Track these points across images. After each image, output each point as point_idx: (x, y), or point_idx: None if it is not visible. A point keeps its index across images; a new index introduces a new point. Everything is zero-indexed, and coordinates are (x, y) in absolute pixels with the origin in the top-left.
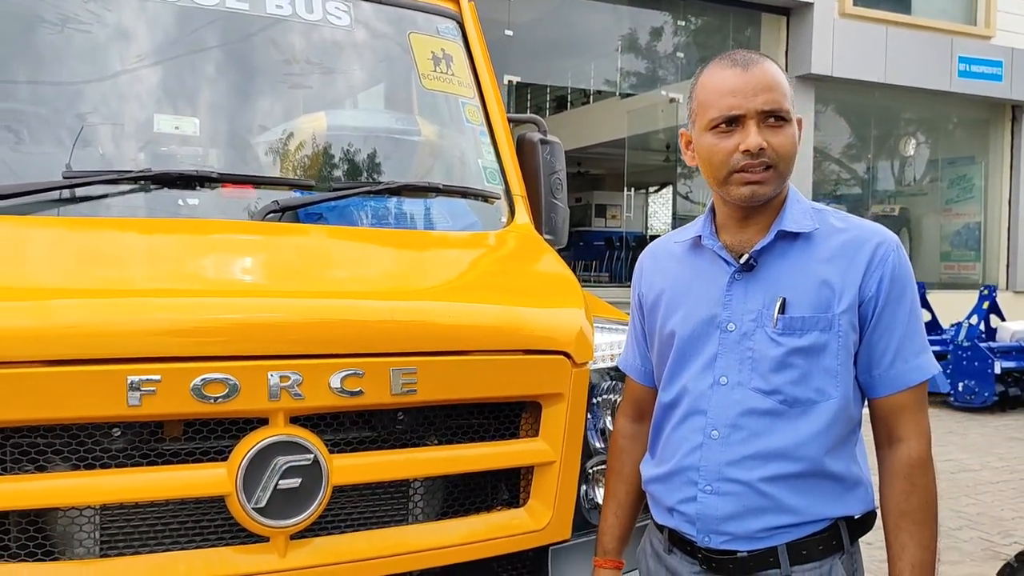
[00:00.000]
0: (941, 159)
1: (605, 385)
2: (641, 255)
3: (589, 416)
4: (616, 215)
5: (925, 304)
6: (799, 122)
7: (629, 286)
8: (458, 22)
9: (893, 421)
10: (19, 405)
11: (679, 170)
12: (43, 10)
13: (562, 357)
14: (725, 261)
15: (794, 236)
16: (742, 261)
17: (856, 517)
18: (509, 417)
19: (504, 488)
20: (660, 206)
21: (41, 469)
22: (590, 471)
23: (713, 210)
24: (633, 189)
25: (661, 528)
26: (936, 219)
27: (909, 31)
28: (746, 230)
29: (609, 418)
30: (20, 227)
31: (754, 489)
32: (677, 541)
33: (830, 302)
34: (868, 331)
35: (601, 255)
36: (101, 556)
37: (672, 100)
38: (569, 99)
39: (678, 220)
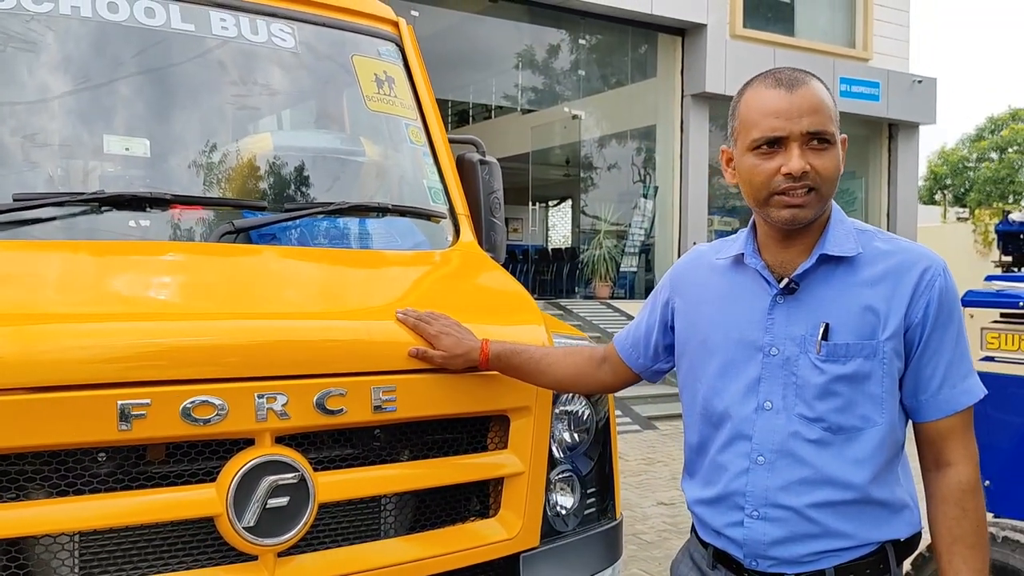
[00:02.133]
0: None
1: (563, 397)
2: (677, 265)
3: (553, 427)
4: (518, 228)
5: None
6: (843, 142)
7: (536, 299)
8: (398, 44)
9: (941, 445)
10: (7, 433)
11: (580, 185)
12: None
13: None
14: (767, 281)
15: (837, 259)
16: (783, 285)
17: (903, 540)
18: (479, 431)
19: (476, 499)
20: (559, 219)
21: (28, 497)
22: (555, 480)
23: (755, 227)
24: (536, 203)
25: (706, 545)
26: None
27: (794, 52)
28: (788, 250)
29: (567, 430)
30: None
31: (802, 515)
32: (723, 559)
33: (875, 328)
34: (915, 356)
35: (504, 267)
36: None
37: (575, 116)
38: (471, 114)
39: (578, 233)
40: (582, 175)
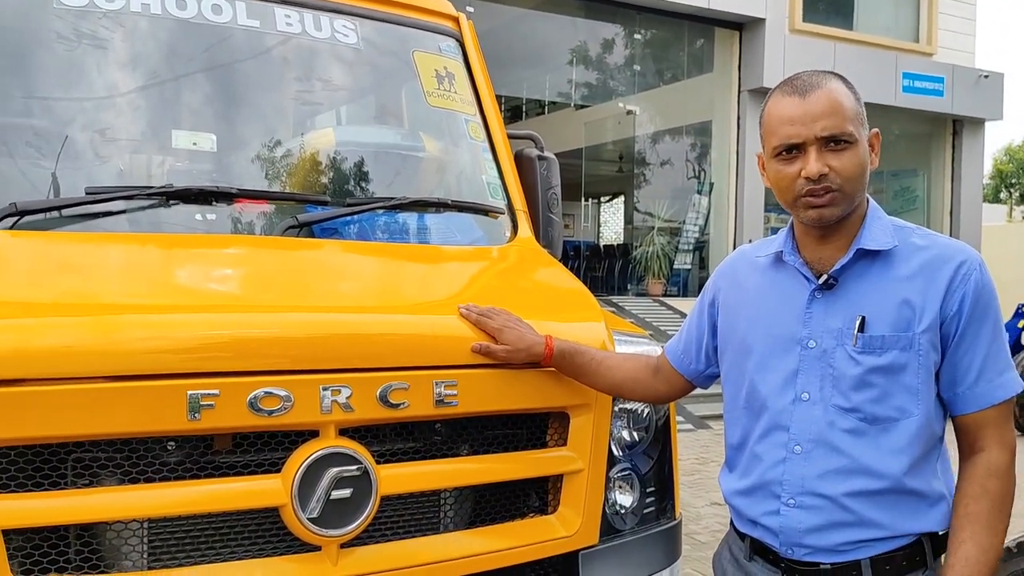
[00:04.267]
0: (885, 172)
1: None
2: (721, 266)
3: (612, 426)
4: (570, 224)
5: None
6: (876, 136)
7: None
8: (458, 40)
9: (976, 434)
10: (82, 421)
11: (633, 181)
12: (63, 29)
13: None
14: (805, 278)
15: (874, 254)
16: (821, 280)
17: (940, 533)
18: (539, 427)
19: (535, 496)
20: (611, 215)
21: (100, 484)
22: (613, 478)
23: (793, 226)
24: (589, 199)
25: (743, 536)
26: None
27: (855, 47)
28: (825, 247)
29: (627, 429)
30: (54, 243)
31: (837, 504)
32: (759, 550)
33: (910, 321)
34: (951, 350)
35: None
36: (160, 568)
37: (629, 112)
38: (524, 109)
39: (631, 229)
40: (636, 171)
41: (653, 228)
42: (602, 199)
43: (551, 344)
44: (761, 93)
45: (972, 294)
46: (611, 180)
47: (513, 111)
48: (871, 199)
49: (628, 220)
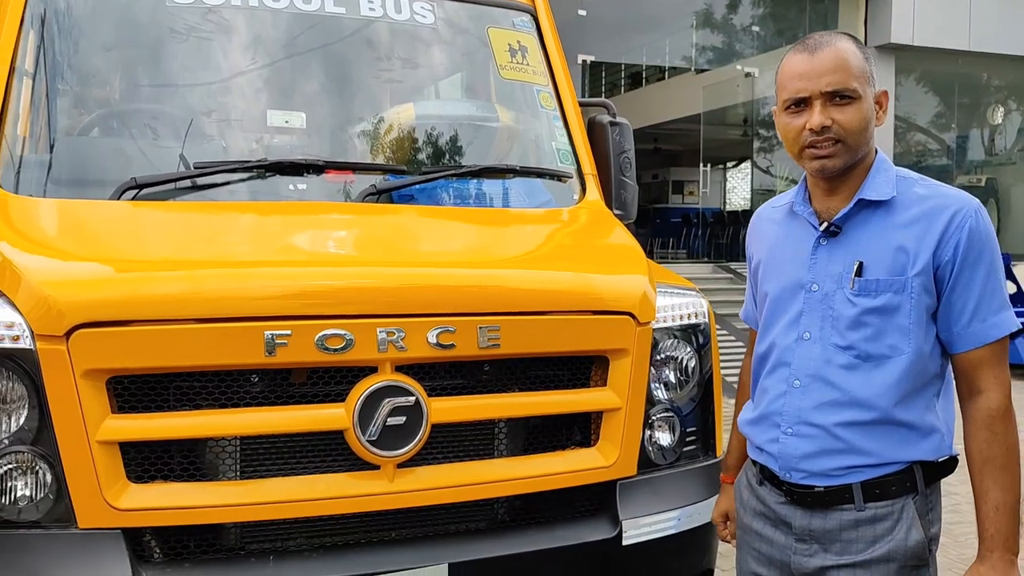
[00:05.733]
0: None
1: (668, 343)
2: (752, 219)
3: (653, 370)
4: (693, 191)
5: (1011, 275)
6: (883, 94)
7: (706, 262)
8: (532, 15)
9: (973, 375)
10: (180, 355)
11: (756, 144)
12: (173, 24)
13: (627, 317)
14: (812, 226)
15: (876, 204)
16: (824, 228)
17: (932, 461)
18: (580, 369)
19: (577, 430)
20: (738, 181)
21: (196, 407)
22: (653, 418)
23: (806, 179)
24: (710, 165)
25: (754, 463)
26: None
27: None
28: (833, 198)
29: (671, 373)
30: (167, 211)
31: (829, 433)
32: (767, 475)
33: (904, 266)
34: (946, 292)
35: (678, 232)
36: (245, 478)
37: (748, 74)
38: (644, 76)
39: (757, 195)
40: (759, 134)
41: (777, 192)
42: (727, 164)
43: (728, 479)
44: (889, 49)
45: (966, 240)
46: (733, 145)
47: (633, 78)
48: (879, 152)
49: (753, 185)
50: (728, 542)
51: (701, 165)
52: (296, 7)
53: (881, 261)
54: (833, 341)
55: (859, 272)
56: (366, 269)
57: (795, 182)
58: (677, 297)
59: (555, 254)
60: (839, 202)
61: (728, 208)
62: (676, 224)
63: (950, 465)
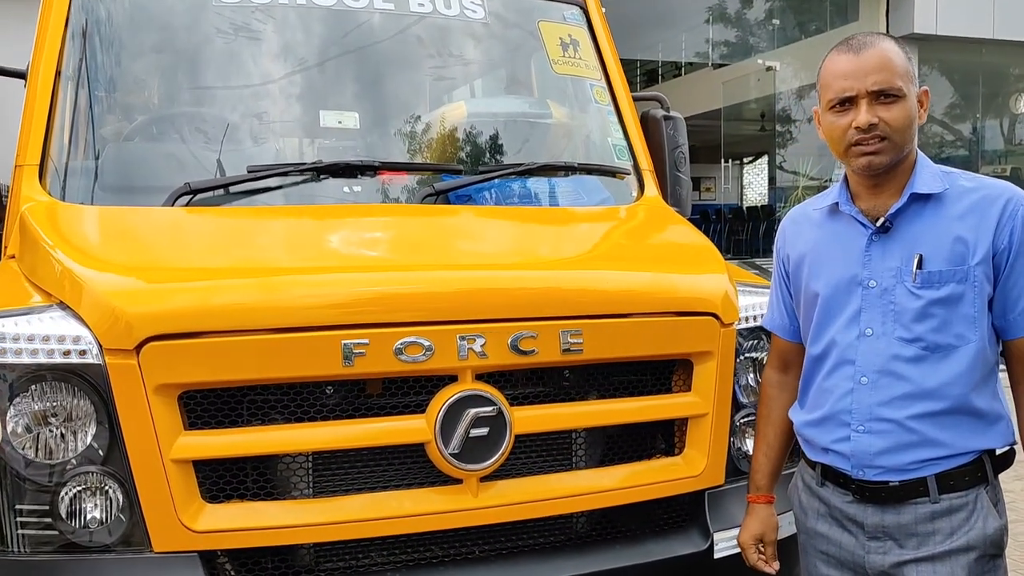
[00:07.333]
0: None
1: (748, 344)
2: (783, 221)
3: (737, 373)
4: (711, 187)
5: None
6: (925, 93)
7: (727, 259)
8: (582, 8)
9: None
10: (254, 367)
11: (775, 139)
12: (221, 24)
13: (711, 318)
14: (862, 224)
15: (926, 198)
16: (879, 224)
17: (998, 452)
18: (664, 373)
19: (661, 438)
20: (755, 176)
21: (271, 422)
22: (738, 423)
23: (847, 179)
24: (729, 160)
25: (813, 465)
26: None
27: None
28: (879, 195)
29: (752, 375)
30: (223, 216)
31: (903, 427)
32: (830, 475)
33: (964, 256)
34: (1002, 279)
35: (696, 226)
36: (322, 496)
37: (768, 68)
38: (660, 72)
39: (775, 190)
40: (778, 129)
41: (798, 187)
42: (744, 160)
43: (762, 498)
44: (911, 40)
45: (1021, 227)
46: (753, 140)
47: (649, 74)
48: (919, 150)
49: (772, 180)
50: (760, 569)
51: (722, 161)
52: (345, 4)
53: (940, 253)
54: (898, 335)
55: (920, 265)
56: (443, 274)
57: (816, 178)
58: (756, 296)
59: (629, 254)
60: (886, 199)
61: (747, 204)
62: (694, 221)
63: (1010, 457)
